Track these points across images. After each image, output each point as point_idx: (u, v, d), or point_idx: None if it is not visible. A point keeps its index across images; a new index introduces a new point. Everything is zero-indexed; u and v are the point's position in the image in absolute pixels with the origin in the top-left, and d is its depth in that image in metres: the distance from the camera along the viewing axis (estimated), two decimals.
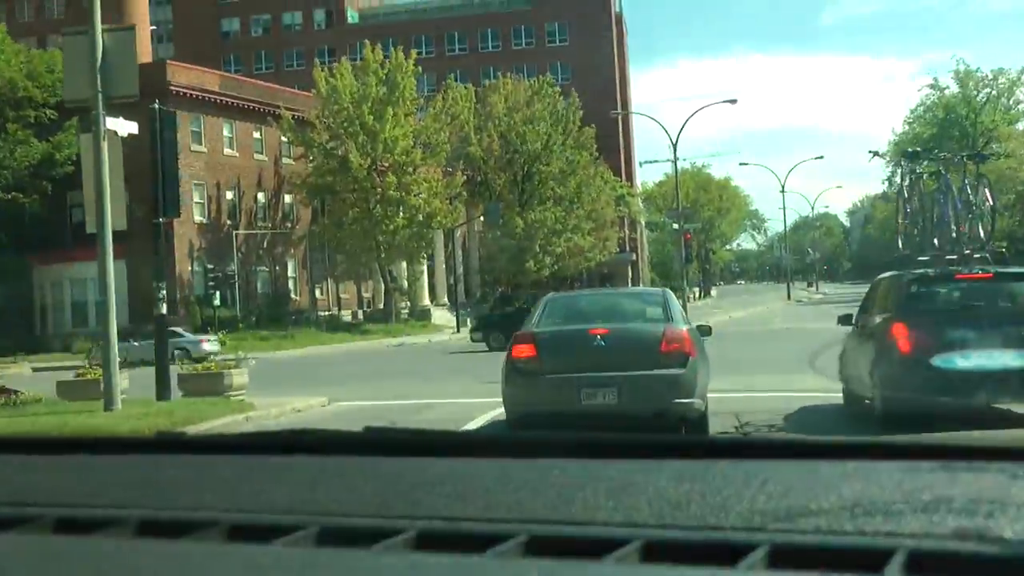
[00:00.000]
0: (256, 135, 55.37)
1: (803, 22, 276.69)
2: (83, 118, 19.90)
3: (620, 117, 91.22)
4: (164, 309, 18.65)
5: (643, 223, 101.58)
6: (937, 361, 11.51)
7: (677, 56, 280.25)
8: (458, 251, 63.80)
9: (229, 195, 53.59)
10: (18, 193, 46.97)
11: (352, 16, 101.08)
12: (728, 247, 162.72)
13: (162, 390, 17.78)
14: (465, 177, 61.98)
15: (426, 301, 62.93)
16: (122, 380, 16.91)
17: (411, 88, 53.71)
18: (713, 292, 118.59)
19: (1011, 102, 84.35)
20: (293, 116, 52.80)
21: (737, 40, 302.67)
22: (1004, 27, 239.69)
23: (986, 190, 14.98)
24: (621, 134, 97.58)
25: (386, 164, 52.61)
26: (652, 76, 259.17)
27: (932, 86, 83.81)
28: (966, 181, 14.96)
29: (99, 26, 15.78)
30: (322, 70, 53.76)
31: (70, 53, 16.58)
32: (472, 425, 14.06)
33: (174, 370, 18.58)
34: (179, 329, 38.98)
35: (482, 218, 61.94)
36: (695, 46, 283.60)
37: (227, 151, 53.49)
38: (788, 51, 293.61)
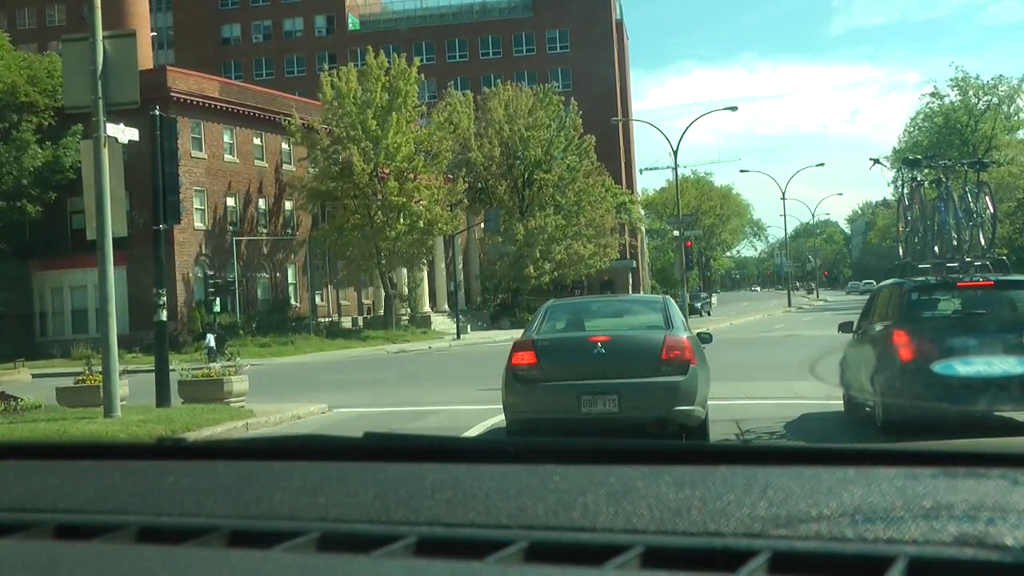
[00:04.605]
0: (257, 141, 55.35)
1: (811, 32, 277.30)
2: (86, 124, 19.89)
3: (621, 124, 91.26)
4: (164, 316, 18.62)
5: (644, 230, 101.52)
6: (938, 368, 11.52)
7: (684, 62, 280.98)
8: (459, 257, 63.78)
9: (230, 201, 53.54)
10: (27, 202, 46.88)
11: (353, 22, 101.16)
12: (728, 254, 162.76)
13: (162, 397, 17.74)
14: (467, 184, 61.95)
15: (426, 307, 62.93)
16: (122, 387, 16.88)
17: (414, 94, 53.76)
18: (714, 299, 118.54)
19: (1011, 110, 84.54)
20: (291, 123, 52.79)
21: (744, 48, 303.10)
22: (1009, 37, 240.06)
23: (987, 198, 14.96)
24: (622, 141, 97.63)
25: (387, 170, 52.60)
26: (657, 83, 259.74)
27: (933, 94, 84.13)
28: (967, 189, 14.94)
29: (100, 32, 15.73)
30: (328, 75, 53.77)
31: (70, 59, 16.49)
32: (472, 432, 14.04)
33: (175, 377, 18.56)
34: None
35: (482, 225, 61.93)
36: (701, 53, 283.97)
37: (228, 157, 53.44)
38: (793, 59, 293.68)
